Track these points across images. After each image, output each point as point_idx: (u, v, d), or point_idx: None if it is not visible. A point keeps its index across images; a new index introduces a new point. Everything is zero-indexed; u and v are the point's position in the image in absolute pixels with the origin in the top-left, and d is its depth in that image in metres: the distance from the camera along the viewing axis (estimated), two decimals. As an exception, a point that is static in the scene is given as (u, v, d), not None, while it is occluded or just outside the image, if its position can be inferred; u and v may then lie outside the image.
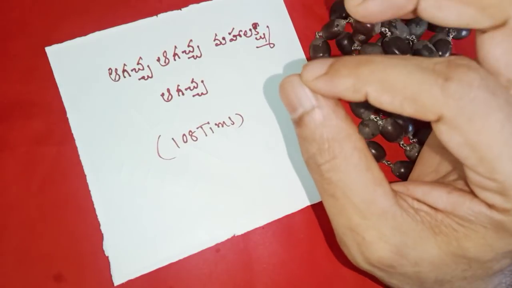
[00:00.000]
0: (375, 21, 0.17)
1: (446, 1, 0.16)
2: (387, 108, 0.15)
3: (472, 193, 0.16)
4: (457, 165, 0.19)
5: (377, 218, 0.16)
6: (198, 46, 0.24)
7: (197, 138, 0.23)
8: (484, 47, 0.16)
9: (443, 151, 0.20)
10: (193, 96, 0.24)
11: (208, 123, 0.24)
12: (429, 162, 0.21)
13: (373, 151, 0.24)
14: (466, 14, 0.16)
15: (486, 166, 0.15)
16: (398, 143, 0.24)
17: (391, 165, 0.24)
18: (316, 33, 0.25)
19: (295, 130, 0.18)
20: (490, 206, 0.16)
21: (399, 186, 0.18)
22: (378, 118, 0.24)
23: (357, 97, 0.16)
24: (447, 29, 0.26)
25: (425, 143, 0.23)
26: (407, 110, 0.15)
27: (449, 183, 0.18)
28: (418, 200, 0.17)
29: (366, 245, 0.17)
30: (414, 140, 0.24)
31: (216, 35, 0.25)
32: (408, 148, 0.24)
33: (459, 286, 0.18)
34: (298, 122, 0.17)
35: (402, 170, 0.23)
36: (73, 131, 0.23)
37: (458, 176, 0.19)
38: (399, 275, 0.18)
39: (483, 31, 0.16)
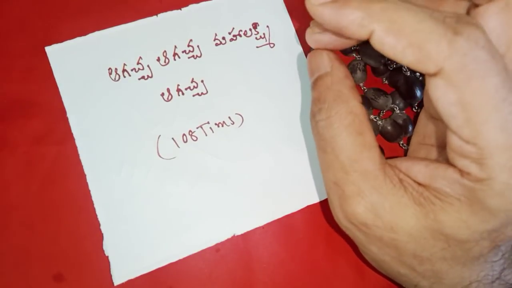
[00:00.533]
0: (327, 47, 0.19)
1: None
2: (387, 52, 0.15)
3: (448, 163, 0.17)
4: (438, 138, 0.20)
5: (358, 175, 0.17)
6: (198, 46, 0.24)
7: (197, 138, 0.23)
8: (478, 21, 0.16)
9: (427, 146, 0.21)
10: (193, 96, 0.24)
11: (208, 123, 0.24)
12: (416, 155, 0.22)
13: None
14: None
15: (471, 128, 0.15)
16: (398, 143, 0.24)
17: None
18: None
19: (311, 93, 0.20)
20: (465, 174, 0.16)
21: (389, 160, 0.19)
22: (377, 118, 0.24)
23: (361, 33, 0.16)
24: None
25: (410, 143, 0.23)
26: (408, 57, 0.15)
27: (429, 158, 0.19)
28: (404, 173, 0.18)
29: (345, 198, 0.18)
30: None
31: (216, 35, 0.25)
32: (408, 148, 0.24)
33: (440, 268, 0.18)
34: (313, 84, 0.19)
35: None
36: (73, 131, 0.23)
37: (438, 151, 0.20)
38: (376, 239, 0.18)
39: (477, 4, 0.16)
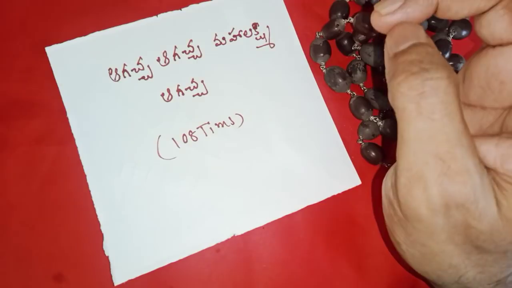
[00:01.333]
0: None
1: None
2: None
3: None
4: (474, 127, 0.19)
5: (467, 151, 0.16)
6: (198, 46, 0.24)
7: (197, 138, 0.23)
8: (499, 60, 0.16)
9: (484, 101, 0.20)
10: (193, 96, 0.24)
11: (208, 123, 0.24)
12: (472, 121, 0.20)
13: (372, 153, 0.24)
14: None
15: None
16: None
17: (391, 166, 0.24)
18: (317, 33, 0.25)
19: (388, 63, 0.18)
20: None
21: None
22: (378, 119, 0.24)
23: None
24: (447, 29, 0.26)
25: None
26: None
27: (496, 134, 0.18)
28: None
29: (451, 175, 0.16)
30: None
31: (216, 35, 0.25)
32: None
33: (495, 257, 0.17)
34: (408, 49, 0.17)
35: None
36: (73, 131, 0.23)
37: (500, 129, 0.18)
38: (452, 227, 0.17)
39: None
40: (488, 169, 0.16)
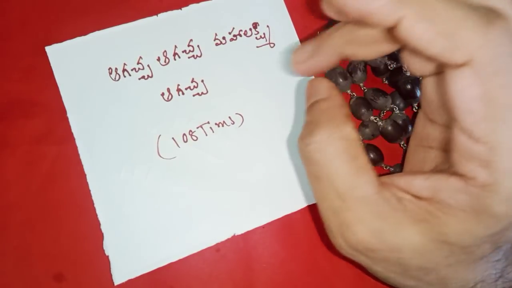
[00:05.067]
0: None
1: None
2: (414, 40, 0.14)
3: (449, 172, 0.16)
4: (442, 159, 0.20)
5: (356, 202, 0.17)
6: (198, 46, 0.24)
7: (197, 138, 0.23)
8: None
9: (424, 148, 0.21)
10: (193, 95, 0.24)
11: (208, 122, 0.24)
12: (413, 162, 0.22)
13: (371, 155, 0.24)
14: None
15: (487, 125, 0.14)
16: (399, 143, 0.24)
17: (390, 168, 0.24)
18: (318, 33, 0.25)
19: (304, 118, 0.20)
20: (470, 180, 0.15)
21: (385, 178, 0.18)
22: (378, 119, 0.24)
23: (388, 20, 0.15)
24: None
25: (408, 144, 0.23)
26: (437, 46, 0.14)
27: (427, 160, 0.19)
28: (403, 190, 0.18)
29: (346, 226, 0.17)
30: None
31: (216, 34, 0.25)
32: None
33: (445, 274, 0.17)
34: (308, 109, 0.20)
35: (398, 171, 0.23)
36: (73, 131, 0.23)
37: (442, 169, 0.19)
38: (381, 261, 0.18)
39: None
40: (423, 199, 0.17)
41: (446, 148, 0.19)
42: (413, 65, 0.18)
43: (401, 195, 0.17)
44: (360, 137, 0.18)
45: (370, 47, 0.17)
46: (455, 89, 0.15)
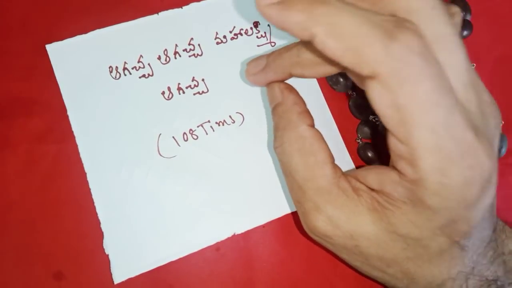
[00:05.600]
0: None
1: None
2: (328, 54, 0.16)
3: (393, 167, 0.17)
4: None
5: (313, 193, 0.19)
6: (199, 45, 0.24)
7: (197, 137, 0.23)
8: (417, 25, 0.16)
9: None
10: (194, 94, 0.24)
11: (209, 121, 0.24)
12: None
13: (369, 153, 0.24)
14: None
15: (404, 129, 0.15)
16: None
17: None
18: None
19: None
20: (403, 176, 0.16)
21: (350, 171, 0.20)
22: (377, 119, 0.24)
23: (304, 35, 0.16)
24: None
25: None
26: (347, 60, 0.15)
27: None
28: (361, 182, 0.19)
29: (306, 214, 0.19)
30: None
31: (217, 33, 0.25)
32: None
33: (408, 268, 0.18)
34: (272, 114, 0.21)
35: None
36: (73, 129, 0.22)
37: None
38: (342, 248, 0.19)
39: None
40: (375, 190, 0.18)
41: None
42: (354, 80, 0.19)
43: (359, 185, 0.19)
44: (317, 131, 0.20)
45: (315, 69, 0.18)
46: (371, 97, 0.16)
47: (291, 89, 0.21)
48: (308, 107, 0.25)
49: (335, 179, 0.19)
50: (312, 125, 0.20)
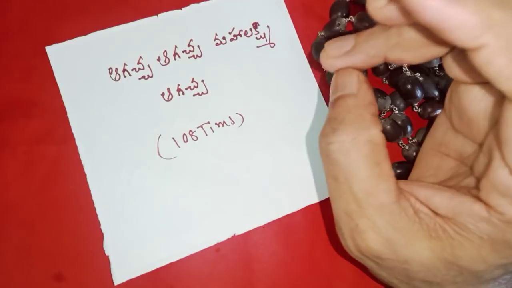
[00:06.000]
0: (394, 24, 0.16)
1: None
2: (488, 72, 0.13)
3: (472, 195, 0.16)
4: (459, 171, 0.19)
5: (373, 210, 0.16)
6: (198, 46, 0.24)
7: (197, 138, 0.23)
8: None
9: (441, 155, 0.20)
10: (194, 95, 0.24)
11: (209, 122, 0.24)
12: (427, 166, 0.21)
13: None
14: None
15: None
16: (397, 143, 0.24)
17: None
18: (318, 33, 0.25)
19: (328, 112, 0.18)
20: (496, 213, 0.15)
21: (404, 185, 0.18)
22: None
23: (468, 43, 0.13)
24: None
25: (422, 145, 0.22)
26: (508, 84, 0.13)
27: (453, 187, 0.18)
28: (421, 202, 0.17)
29: (358, 232, 0.17)
30: (414, 141, 0.24)
31: (216, 34, 0.25)
32: (406, 147, 0.24)
33: None
34: (333, 103, 0.18)
35: (399, 171, 0.23)
36: (73, 131, 0.23)
37: (458, 182, 0.18)
38: (388, 268, 0.18)
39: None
40: (440, 216, 0.16)
41: (468, 163, 0.19)
42: (454, 71, 0.17)
43: (419, 206, 0.17)
44: (385, 141, 0.17)
45: (418, 51, 0.16)
46: (508, 121, 0.14)
47: (370, 84, 0.18)
48: (307, 107, 0.25)
49: (397, 197, 0.16)
50: (383, 131, 0.17)
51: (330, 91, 0.19)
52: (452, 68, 0.17)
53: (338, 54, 0.18)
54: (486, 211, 0.15)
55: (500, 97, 0.15)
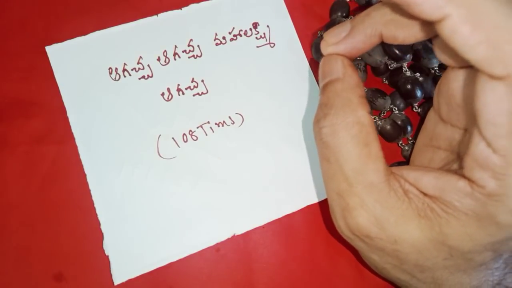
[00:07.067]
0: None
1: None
2: (455, 42, 0.14)
3: (458, 174, 0.16)
4: (449, 159, 0.19)
5: (362, 188, 0.17)
6: (198, 46, 0.24)
7: (197, 138, 0.23)
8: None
9: (433, 148, 0.21)
10: (193, 95, 0.24)
11: (208, 122, 0.24)
12: (420, 162, 0.21)
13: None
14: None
15: (509, 140, 0.14)
16: (397, 143, 0.24)
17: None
18: (319, 32, 0.25)
19: (319, 98, 0.19)
20: (478, 187, 0.15)
21: (395, 169, 0.18)
22: (377, 118, 0.24)
23: (433, 14, 0.14)
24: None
25: (415, 144, 0.23)
26: (478, 53, 0.14)
27: (435, 160, 0.18)
28: (411, 184, 0.17)
29: (349, 210, 0.17)
30: (413, 141, 0.24)
31: (216, 34, 0.25)
32: (406, 147, 0.24)
33: (440, 275, 0.17)
34: (322, 89, 0.19)
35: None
36: (73, 130, 0.23)
37: (447, 169, 0.19)
38: (378, 249, 0.18)
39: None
40: (429, 196, 0.17)
41: (456, 150, 0.19)
42: (443, 55, 0.18)
43: (408, 187, 0.17)
44: (373, 122, 0.18)
45: (410, 29, 0.17)
46: (485, 99, 0.14)
47: (355, 68, 0.19)
48: (307, 107, 0.25)
49: (386, 176, 0.17)
50: (370, 113, 0.18)
51: (319, 79, 0.19)
52: (441, 52, 0.18)
53: (337, 40, 0.19)
54: (469, 186, 0.15)
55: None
